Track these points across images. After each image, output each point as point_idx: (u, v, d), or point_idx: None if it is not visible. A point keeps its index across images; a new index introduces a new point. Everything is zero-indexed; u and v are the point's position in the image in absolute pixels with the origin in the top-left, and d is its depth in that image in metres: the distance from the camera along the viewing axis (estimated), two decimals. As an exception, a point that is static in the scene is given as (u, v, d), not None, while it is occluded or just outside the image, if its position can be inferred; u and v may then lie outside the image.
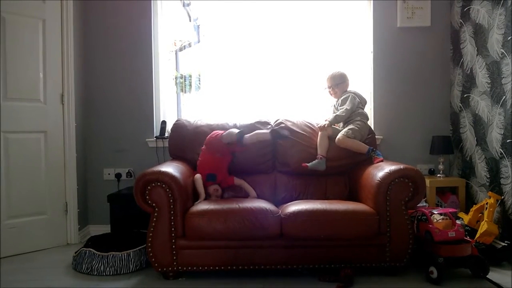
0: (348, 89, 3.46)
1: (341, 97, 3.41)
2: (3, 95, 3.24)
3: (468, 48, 3.58)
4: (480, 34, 3.41)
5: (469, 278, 2.70)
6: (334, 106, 3.48)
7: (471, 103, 3.55)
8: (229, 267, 2.70)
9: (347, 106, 3.32)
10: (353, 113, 3.33)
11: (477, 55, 3.45)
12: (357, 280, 2.64)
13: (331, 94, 3.50)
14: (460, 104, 3.72)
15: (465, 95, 3.64)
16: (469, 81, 3.57)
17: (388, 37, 3.83)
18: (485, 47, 3.33)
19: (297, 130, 3.44)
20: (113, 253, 2.88)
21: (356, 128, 3.27)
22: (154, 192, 2.68)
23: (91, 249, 2.92)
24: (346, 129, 3.28)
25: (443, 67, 3.89)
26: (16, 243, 3.28)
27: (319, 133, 3.34)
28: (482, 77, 3.39)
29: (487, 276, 2.67)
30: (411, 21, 3.80)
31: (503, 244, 2.96)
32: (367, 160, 3.18)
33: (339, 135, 3.25)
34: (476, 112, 3.47)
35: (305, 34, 3.95)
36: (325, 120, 3.34)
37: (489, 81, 3.29)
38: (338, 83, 3.44)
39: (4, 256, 3.21)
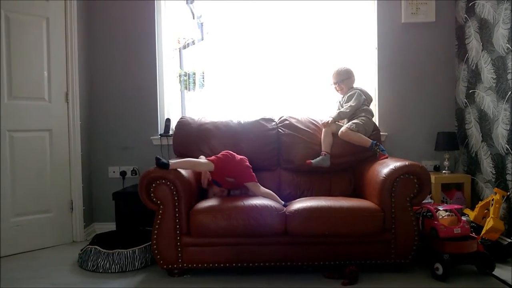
0: (355, 86, 3.45)
1: (347, 93, 3.40)
2: (8, 94, 3.25)
3: (473, 43, 3.56)
4: (485, 29, 3.38)
5: (475, 275, 2.69)
6: (340, 102, 3.47)
7: (477, 98, 3.52)
8: (233, 264, 2.71)
9: (352, 102, 3.31)
10: (358, 109, 3.32)
11: (482, 51, 3.43)
12: (362, 277, 2.63)
13: (337, 90, 3.49)
14: (465, 100, 3.70)
15: (470, 91, 3.62)
16: (474, 77, 3.55)
17: (392, 33, 3.81)
18: (491, 42, 3.31)
19: (301, 127, 3.43)
20: (119, 250, 2.89)
21: (361, 123, 3.25)
22: (158, 189, 2.68)
23: (96, 247, 2.93)
24: (350, 122, 3.27)
25: (448, 63, 3.87)
26: (21, 241, 3.30)
27: (323, 129, 3.33)
28: (487, 73, 3.36)
29: (493, 273, 2.66)
30: (415, 16, 3.77)
31: (509, 240, 2.95)
32: (372, 156, 3.17)
33: (343, 128, 3.25)
34: (482, 108, 3.45)
35: (309, 31, 3.94)
36: (329, 117, 3.34)
37: (495, 77, 3.27)
38: (344, 78, 3.42)
39: (10, 254, 3.23)
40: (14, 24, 3.26)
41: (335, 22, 3.92)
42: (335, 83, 3.46)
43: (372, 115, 3.39)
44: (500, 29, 3.17)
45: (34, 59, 3.38)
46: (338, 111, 3.35)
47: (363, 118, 3.28)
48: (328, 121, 3.31)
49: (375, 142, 3.18)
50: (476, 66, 3.53)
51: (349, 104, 3.32)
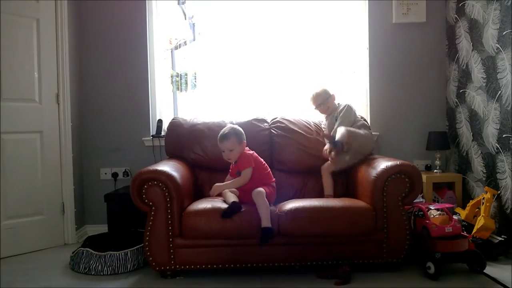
0: (337, 101, 3.37)
1: (337, 111, 3.29)
2: (-2, 96, 3.23)
3: (464, 43, 3.58)
4: (475, 29, 3.41)
5: (466, 273, 2.71)
6: (324, 123, 3.41)
7: (467, 98, 3.55)
8: (226, 265, 2.70)
9: (339, 119, 3.21)
10: (353, 124, 3.24)
11: (472, 50, 3.46)
12: (355, 277, 2.64)
13: (322, 113, 3.39)
14: (456, 99, 3.73)
15: (461, 91, 3.65)
16: (465, 77, 3.57)
17: (383, 33, 3.83)
18: (481, 42, 3.33)
19: (294, 128, 3.43)
20: (111, 252, 2.87)
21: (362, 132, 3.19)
22: (150, 191, 2.67)
23: (88, 249, 2.91)
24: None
25: (438, 63, 3.89)
26: (13, 244, 3.27)
27: (322, 168, 3.23)
28: (477, 72, 3.39)
29: (484, 271, 2.68)
30: (406, 17, 3.79)
31: (500, 238, 2.97)
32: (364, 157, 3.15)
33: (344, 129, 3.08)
34: (472, 107, 3.47)
35: (301, 31, 3.94)
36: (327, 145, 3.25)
37: (485, 76, 3.29)
38: (326, 98, 3.32)
39: (2, 257, 3.20)
40: (4, 25, 3.22)
41: (326, 23, 3.93)
42: (318, 106, 3.35)
43: (370, 129, 3.33)
44: (490, 29, 3.20)
45: (25, 60, 3.35)
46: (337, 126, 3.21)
47: (363, 131, 3.22)
48: (327, 149, 3.20)
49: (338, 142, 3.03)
50: (466, 66, 3.55)
51: (338, 120, 3.22)
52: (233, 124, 3.37)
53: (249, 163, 2.89)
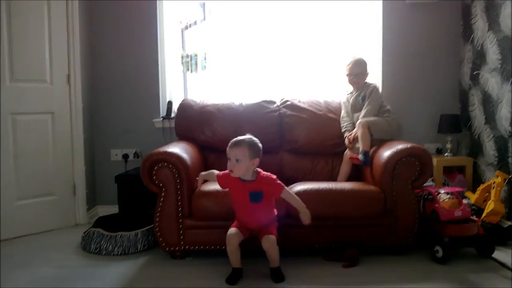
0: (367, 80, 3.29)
1: (364, 89, 3.19)
2: (9, 77, 3.23)
3: (479, 23, 3.50)
4: (492, 8, 3.32)
5: (475, 258, 2.70)
6: (348, 100, 3.30)
7: (481, 80, 3.48)
8: (235, 247, 2.71)
9: (369, 103, 3.12)
10: (380, 109, 3.17)
11: (488, 31, 3.37)
12: (362, 260, 2.65)
13: (353, 83, 3.24)
14: (469, 81, 3.66)
15: (474, 72, 3.58)
16: (479, 58, 3.50)
17: (397, 13, 3.74)
18: (497, 22, 3.24)
19: (304, 106, 3.42)
20: (121, 233, 2.91)
21: (384, 121, 3.09)
22: (160, 172, 2.69)
23: (99, 229, 2.96)
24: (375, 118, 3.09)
25: (453, 44, 3.81)
26: (24, 224, 3.32)
27: (346, 153, 3.18)
28: (493, 54, 3.31)
29: (493, 256, 2.67)
30: (420, -4, 3.70)
31: (510, 223, 2.95)
32: (373, 140, 3.06)
33: (363, 120, 3.04)
34: (486, 89, 3.41)
35: (314, 12, 3.87)
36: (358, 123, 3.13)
37: (500, 58, 3.22)
38: (364, 72, 3.22)
39: (13, 237, 3.26)
40: (15, 6, 3.22)
41: (339, 3, 3.85)
42: (354, 75, 3.19)
43: (394, 116, 3.21)
44: (508, 8, 3.11)
45: (35, 41, 3.36)
46: (364, 113, 3.11)
47: (387, 118, 3.14)
48: (352, 134, 3.11)
49: (366, 160, 2.93)
50: (481, 47, 3.47)
51: (367, 104, 3.13)
52: (242, 105, 3.35)
53: (281, 185, 2.48)
